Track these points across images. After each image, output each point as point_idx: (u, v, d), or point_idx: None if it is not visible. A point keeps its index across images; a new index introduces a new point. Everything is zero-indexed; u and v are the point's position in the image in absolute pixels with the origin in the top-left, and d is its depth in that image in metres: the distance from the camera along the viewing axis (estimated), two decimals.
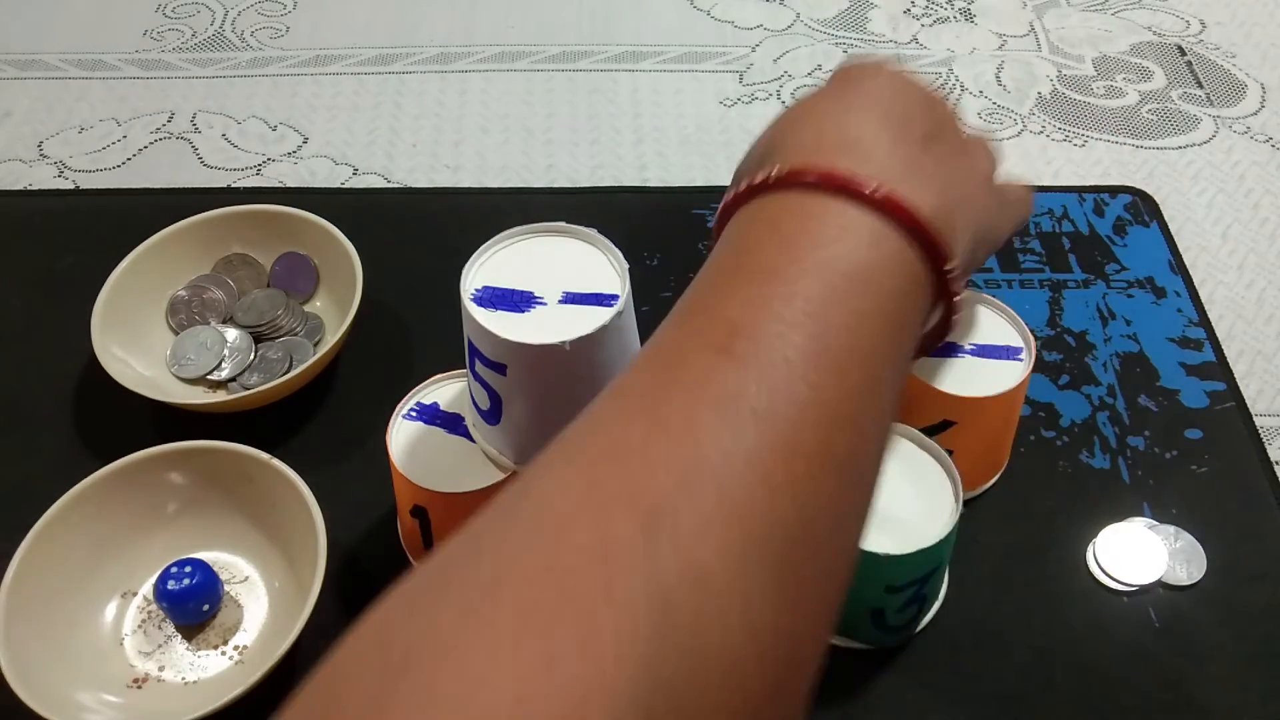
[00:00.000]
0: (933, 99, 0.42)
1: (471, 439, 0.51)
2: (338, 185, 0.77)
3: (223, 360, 0.63)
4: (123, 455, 0.53)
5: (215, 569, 0.53)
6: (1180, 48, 0.89)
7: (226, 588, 0.54)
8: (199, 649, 0.52)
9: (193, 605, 0.52)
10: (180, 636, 0.53)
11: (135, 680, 0.51)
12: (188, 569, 0.52)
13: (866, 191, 0.35)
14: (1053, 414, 0.62)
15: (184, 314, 0.65)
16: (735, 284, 0.33)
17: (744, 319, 0.32)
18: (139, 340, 0.63)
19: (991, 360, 0.54)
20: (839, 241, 0.34)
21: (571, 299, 0.45)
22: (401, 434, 0.51)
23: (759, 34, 0.90)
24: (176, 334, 0.64)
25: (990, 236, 0.44)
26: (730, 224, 0.37)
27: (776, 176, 0.36)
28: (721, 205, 0.38)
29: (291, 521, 0.52)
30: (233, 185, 0.77)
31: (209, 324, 0.64)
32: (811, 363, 0.31)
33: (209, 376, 0.62)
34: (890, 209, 0.35)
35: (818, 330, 0.32)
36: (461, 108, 0.83)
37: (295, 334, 0.64)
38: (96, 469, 0.53)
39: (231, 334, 0.64)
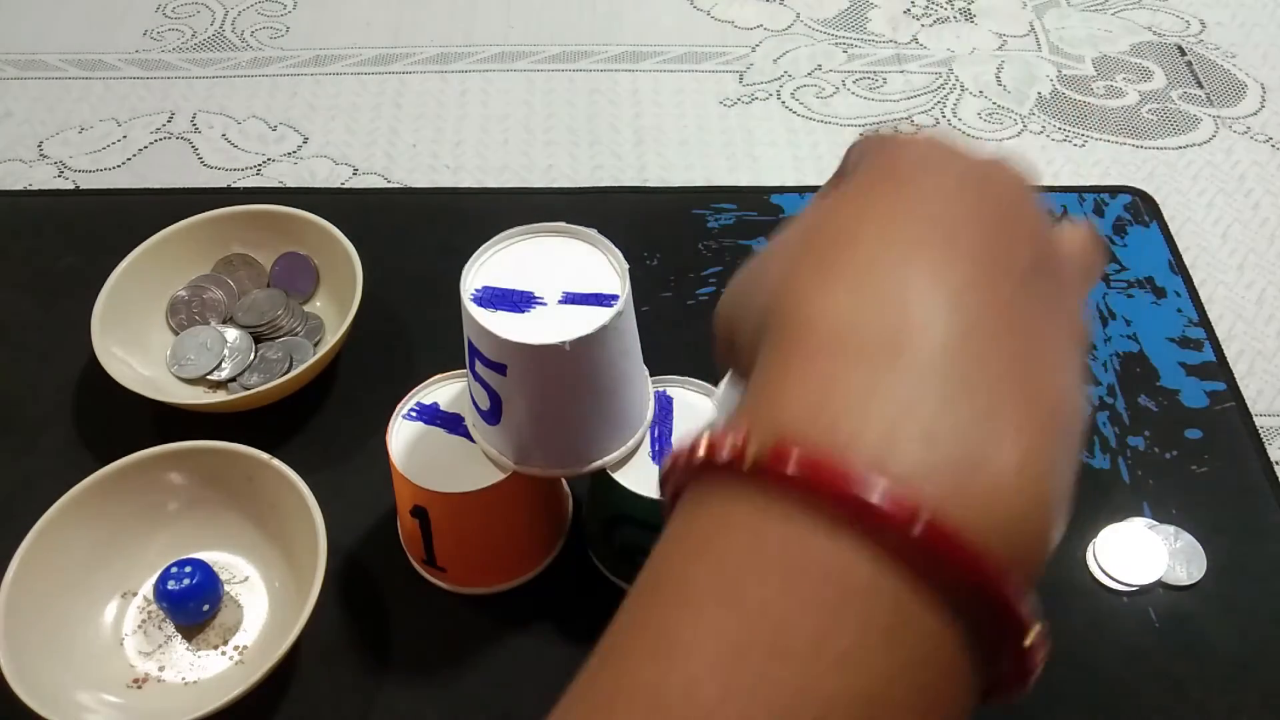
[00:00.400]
0: (1030, 210, 0.26)
1: (471, 439, 0.51)
2: (338, 185, 0.77)
3: (223, 360, 0.63)
4: (123, 455, 0.53)
5: (215, 569, 0.53)
6: (1180, 48, 0.89)
7: (226, 588, 0.54)
8: (199, 649, 0.52)
9: (193, 605, 0.52)
10: (180, 636, 0.53)
11: (135, 680, 0.51)
12: (188, 569, 0.52)
13: (911, 531, 0.20)
14: None
15: (184, 314, 0.65)
16: (676, 644, 0.21)
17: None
18: (139, 340, 0.63)
19: None
20: (849, 623, 0.21)
21: (571, 299, 0.45)
22: (401, 434, 0.51)
23: (759, 34, 0.90)
24: (176, 334, 0.64)
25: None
26: (685, 511, 0.24)
27: (755, 459, 0.22)
28: (671, 463, 0.25)
29: (291, 521, 0.52)
30: (233, 185, 0.77)
31: (209, 324, 0.64)
32: None
33: (209, 376, 0.62)
34: (939, 555, 0.21)
35: None
36: (461, 108, 0.83)
37: (295, 334, 0.64)
38: (96, 469, 0.53)
39: (231, 334, 0.64)
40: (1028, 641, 0.23)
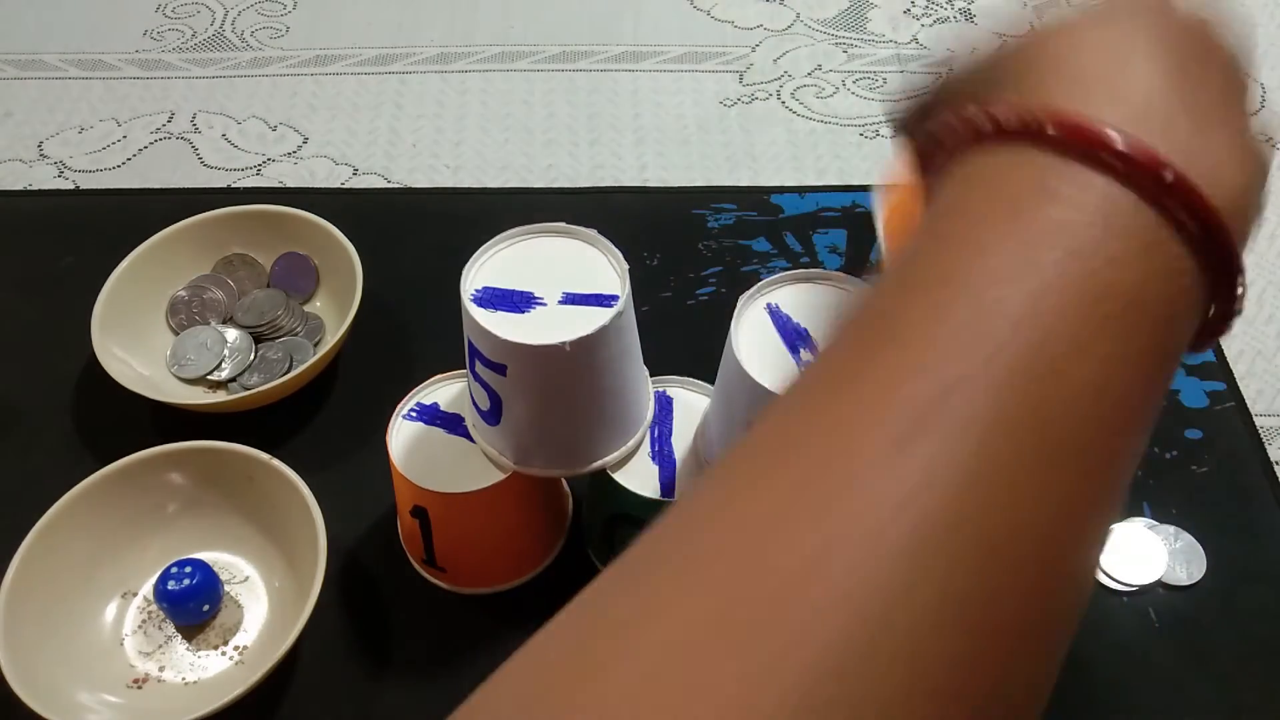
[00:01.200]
0: (1219, 42, 0.32)
1: (471, 439, 0.51)
2: (338, 185, 0.77)
3: (223, 360, 0.63)
4: (123, 455, 0.53)
5: (215, 569, 0.53)
6: None
7: (226, 588, 0.54)
8: (199, 649, 0.52)
9: (193, 605, 0.52)
10: (180, 636, 0.53)
11: (135, 680, 0.51)
12: (188, 569, 0.52)
13: (1164, 175, 0.25)
14: None
15: (184, 314, 0.65)
16: (943, 312, 0.24)
17: (940, 378, 0.22)
18: (139, 340, 0.63)
19: None
20: (1103, 245, 0.24)
21: (571, 299, 0.45)
22: (401, 434, 0.51)
23: (759, 34, 0.90)
24: (176, 334, 0.64)
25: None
26: (953, 185, 0.27)
27: (1027, 120, 0.26)
28: (922, 113, 0.30)
29: (291, 521, 0.52)
30: (233, 185, 0.77)
31: (209, 324, 0.64)
32: (1029, 461, 0.22)
33: (209, 377, 0.62)
34: (1184, 198, 0.25)
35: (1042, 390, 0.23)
36: (461, 108, 0.83)
37: (295, 334, 0.64)
38: (96, 469, 0.53)
39: (231, 334, 0.64)
40: (1240, 288, 0.28)
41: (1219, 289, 0.27)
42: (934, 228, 0.26)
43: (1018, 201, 0.25)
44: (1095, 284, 0.24)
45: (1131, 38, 0.29)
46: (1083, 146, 0.25)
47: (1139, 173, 0.25)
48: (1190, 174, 0.25)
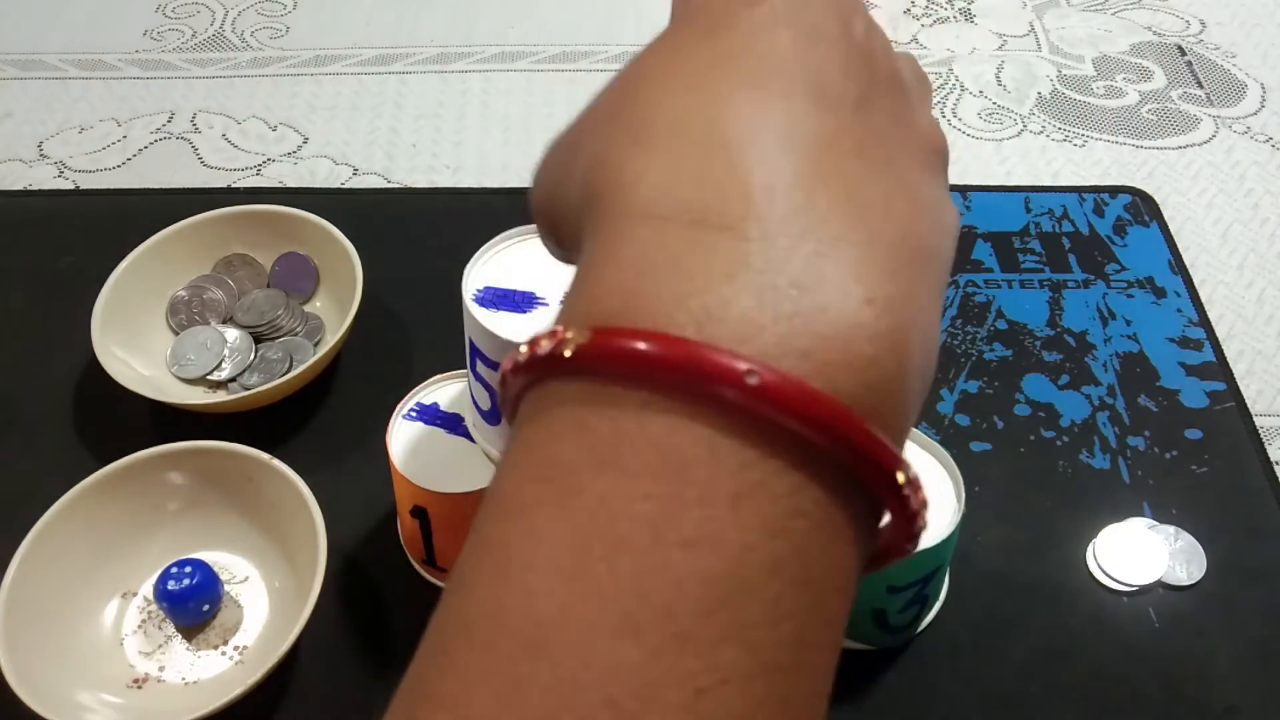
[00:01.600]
0: (860, 29, 0.26)
1: (471, 439, 0.51)
2: (338, 185, 0.77)
3: (223, 360, 0.63)
4: (123, 455, 0.53)
5: (215, 569, 0.53)
6: (1180, 48, 0.89)
7: (226, 588, 0.54)
8: (199, 649, 0.52)
9: (193, 605, 0.52)
10: (180, 636, 0.53)
11: (135, 680, 0.51)
12: (188, 569, 0.52)
13: (745, 383, 0.19)
14: (1053, 414, 0.62)
15: (184, 314, 0.65)
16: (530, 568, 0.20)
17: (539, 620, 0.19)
18: (139, 340, 0.63)
19: None
20: (691, 498, 0.19)
21: None
22: (401, 434, 0.51)
23: None
24: (176, 334, 0.64)
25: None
26: (519, 424, 0.22)
27: (575, 347, 0.20)
28: (510, 366, 0.22)
29: (291, 521, 0.52)
30: (233, 185, 0.77)
31: (209, 324, 0.64)
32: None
33: (209, 377, 0.62)
34: (782, 402, 0.19)
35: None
36: (461, 108, 0.83)
37: (295, 334, 0.64)
38: (96, 469, 0.53)
39: (231, 334, 0.64)
40: (901, 478, 0.20)
41: (874, 492, 0.21)
42: (535, 462, 0.21)
43: (610, 467, 0.19)
44: (659, 588, 0.19)
45: (720, 101, 0.21)
46: (651, 370, 0.19)
47: (717, 389, 0.19)
48: (788, 360, 0.19)
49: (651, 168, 0.21)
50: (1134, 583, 0.55)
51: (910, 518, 0.21)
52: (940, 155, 0.26)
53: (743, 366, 0.19)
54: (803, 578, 0.20)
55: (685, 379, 0.19)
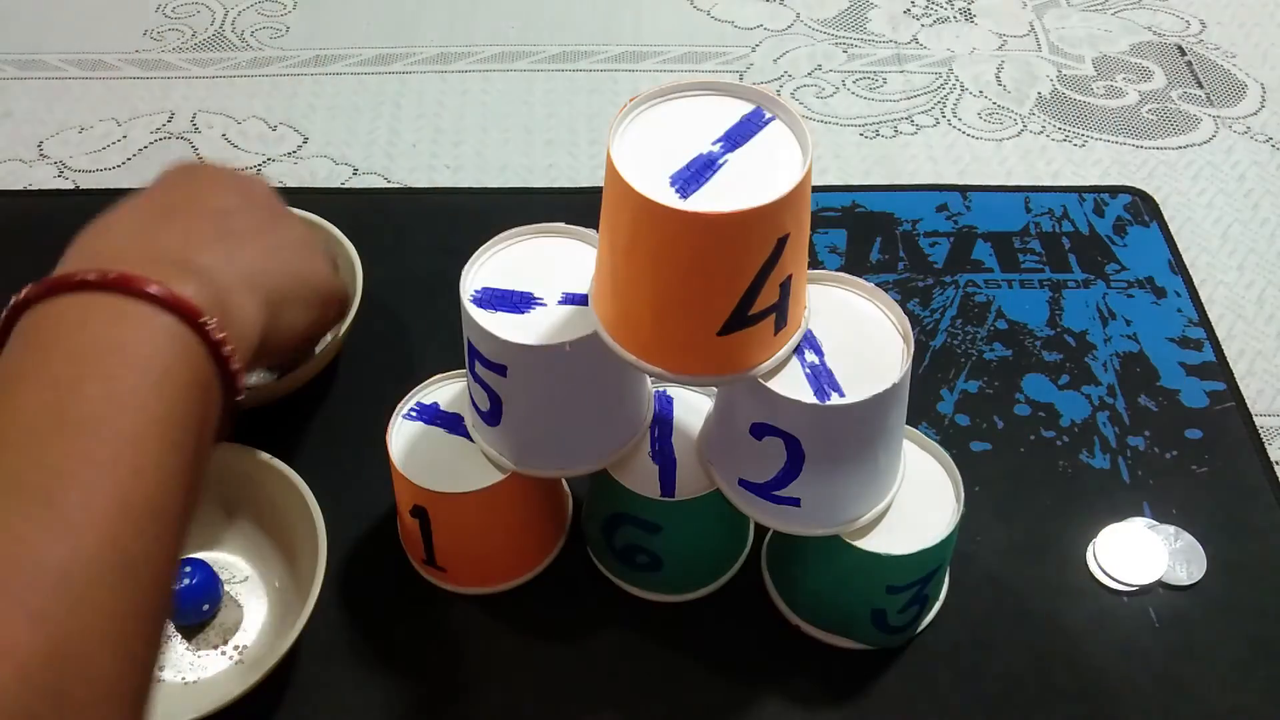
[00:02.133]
0: (242, 182, 0.50)
1: (471, 439, 0.51)
2: (338, 185, 0.77)
3: None
4: None
5: (215, 569, 0.53)
6: (1180, 48, 0.89)
7: (226, 588, 0.54)
8: (199, 649, 0.52)
9: (192, 605, 0.52)
10: (180, 636, 0.53)
11: None
12: (187, 569, 0.52)
13: (149, 290, 0.38)
14: (1053, 414, 0.62)
15: None
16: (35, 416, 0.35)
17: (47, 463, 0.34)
18: None
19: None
20: (132, 342, 0.37)
21: (571, 299, 0.45)
22: (401, 434, 0.51)
23: (759, 34, 0.90)
24: None
25: (288, 311, 0.48)
26: (30, 318, 0.39)
27: (77, 277, 0.39)
28: (21, 296, 0.40)
29: (291, 521, 0.52)
30: None
31: None
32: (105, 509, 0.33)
33: None
34: (171, 302, 0.38)
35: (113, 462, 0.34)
36: (461, 108, 0.83)
37: None
38: None
39: None
40: (205, 321, 0.39)
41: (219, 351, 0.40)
42: (30, 341, 0.39)
43: (81, 326, 0.38)
44: (137, 364, 0.37)
45: (160, 209, 0.46)
46: (118, 286, 0.38)
47: (143, 293, 0.38)
48: (175, 286, 0.39)
49: (95, 243, 0.46)
50: (1134, 583, 0.55)
51: (215, 345, 0.39)
52: (306, 238, 0.52)
53: (152, 282, 0.39)
54: (172, 394, 0.38)
55: (124, 286, 0.39)
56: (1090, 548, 0.56)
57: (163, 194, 0.47)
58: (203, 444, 0.38)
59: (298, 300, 0.49)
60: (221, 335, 0.39)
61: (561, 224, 0.48)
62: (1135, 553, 0.56)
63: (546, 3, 0.93)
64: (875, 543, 0.47)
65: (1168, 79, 0.86)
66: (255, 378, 0.62)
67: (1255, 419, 0.62)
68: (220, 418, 0.40)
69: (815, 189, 0.75)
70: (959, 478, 0.49)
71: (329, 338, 0.62)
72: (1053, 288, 0.69)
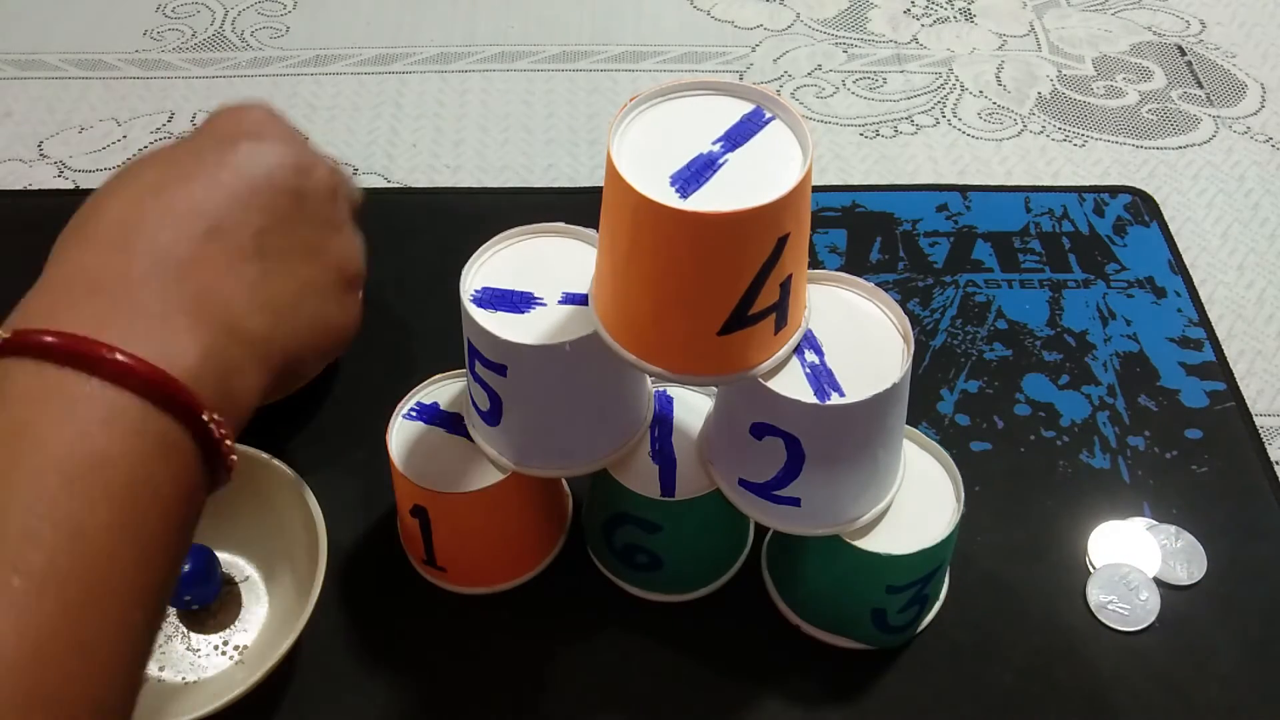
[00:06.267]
0: (304, 163, 0.40)
1: (471, 439, 0.51)
2: None
3: None
4: None
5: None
6: (1180, 48, 0.89)
7: (226, 588, 0.54)
8: (199, 649, 0.52)
9: (193, 590, 0.52)
10: (180, 636, 0.53)
11: None
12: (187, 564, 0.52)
13: (105, 356, 0.31)
14: (1053, 414, 0.62)
15: None
16: None
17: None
18: None
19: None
20: (66, 425, 0.30)
21: (571, 299, 0.45)
22: (401, 434, 0.51)
23: (759, 34, 0.90)
24: None
25: (299, 368, 0.40)
26: None
27: (5, 340, 0.32)
28: None
29: (291, 521, 0.52)
30: None
31: None
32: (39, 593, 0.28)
33: None
34: (129, 376, 0.31)
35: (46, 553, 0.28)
36: (461, 108, 0.83)
37: None
38: None
39: None
40: (207, 417, 0.33)
41: (206, 446, 0.33)
42: None
43: (17, 404, 0.31)
44: (73, 457, 0.30)
45: (181, 199, 0.36)
46: (58, 353, 0.31)
47: (98, 362, 0.31)
48: (142, 353, 0.31)
49: (74, 257, 0.36)
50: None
51: (215, 444, 0.34)
52: (345, 274, 0.43)
53: (109, 348, 0.31)
54: (151, 483, 0.32)
55: (72, 354, 0.31)
56: (1090, 548, 0.56)
57: (200, 158, 0.38)
58: (170, 536, 0.33)
59: (311, 356, 0.41)
60: (219, 428, 0.33)
61: (561, 224, 0.48)
62: (1135, 553, 0.56)
63: (546, 3, 0.93)
64: (875, 543, 0.47)
65: (1168, 79, 0.86)
66: None
67: (1255, 419, 0.62)
68: (201, 503, 0.35)
69: (815, 189, 0.75)
70: (959, 478, 0.49)
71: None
72: (1053, 288, 0.69)
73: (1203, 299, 0.69)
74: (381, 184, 0.77)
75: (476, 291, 0.46)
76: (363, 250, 0.45)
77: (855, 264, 0.70)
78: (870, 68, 0.87)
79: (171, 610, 0.52)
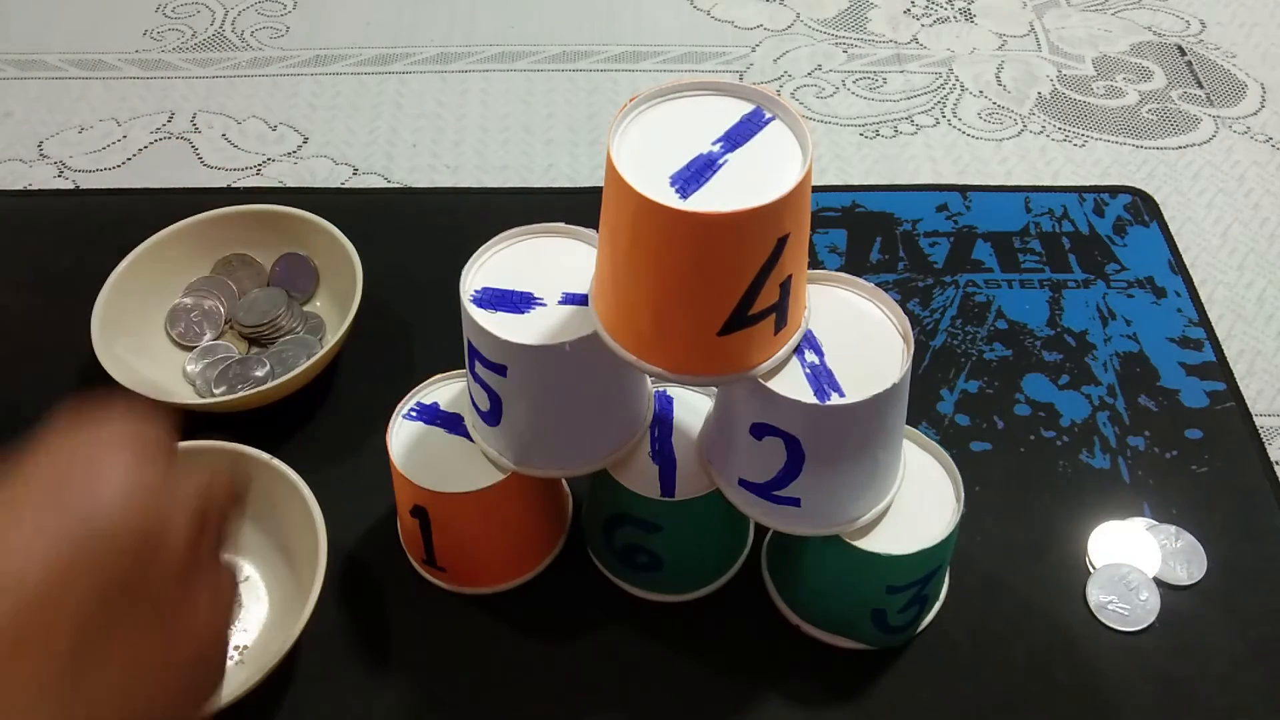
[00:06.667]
0: (145, 528, 0.31)
1: (471, 439, 0.51)
2: (338, 185, 0.77)
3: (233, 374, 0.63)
4: None
5: None
6: (1180, 48, 0.89)
7: None
8: None
9: None
10: None
11: None
12: None
13: None
14: (1053, 414, 0.62)
15: (184, 324, 0.65)
16: None
17: None
18: (139, 340, 0.63)
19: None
20: None
21: (571, 299, 0.45)
22: (401, 434, 0.51)
23: (759, 34, 0.90)
24: (175, 343, 0.64)
25: None
26: None
27: None
28: None
29: (291, 521, 0.52)
30: (233, 185, 0.77)
31: (214, 338, 0.65)
32: None
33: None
34: None
35: None
36: (461, 108, 0.83)
37: (295, 334, 0.64)
38: None
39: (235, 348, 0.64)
40: None
41: None
42: None
43: None
44: None
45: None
46: None
47: None
48: None
49: None
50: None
51: None
52: (193, 650, 0.34)
53: None
54: None
55: None
56: (1090, 547, 0.56)
57: (17, 518, 0.31)
58: None
59: None
60: None
61: (561, 224, 0.48)
62: (1135, 553, 0.56)
63: (546, 3, 0.93)
64: (875, 543, 0.47)
65: (1168, 79, 0.86)
66: (260, 371, 0.62)
67: (1255, 419, 0.62)
68: None
69: (815, 189, 0.75)
70: (959, 478, 0.49)
71: (330, 338, 0.62)
72: (1053, 288, 0.69)
73: (1203, 299, 0.69)
74: (381, 184, 0.77)
75: (476, 292, 0.46)
76: (232, 605, 0.37)
77: (855, 264, 0.70)
78: (870, 68, 0.87)
79: None
